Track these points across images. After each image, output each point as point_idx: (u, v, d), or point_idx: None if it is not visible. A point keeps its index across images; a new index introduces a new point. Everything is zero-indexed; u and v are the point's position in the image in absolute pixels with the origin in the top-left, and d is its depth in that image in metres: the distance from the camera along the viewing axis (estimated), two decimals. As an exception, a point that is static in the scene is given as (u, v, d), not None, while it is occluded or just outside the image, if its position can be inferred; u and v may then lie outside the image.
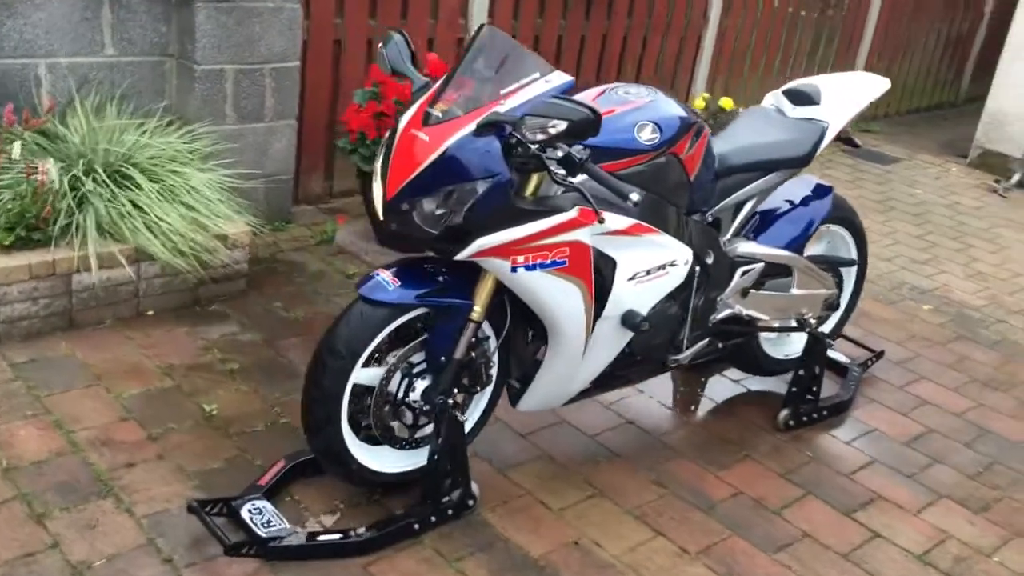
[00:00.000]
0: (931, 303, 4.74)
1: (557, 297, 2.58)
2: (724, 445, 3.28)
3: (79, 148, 3.52)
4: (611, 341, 2.78)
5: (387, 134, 2.59)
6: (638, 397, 3.47)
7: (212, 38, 3.92)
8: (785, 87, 3.35)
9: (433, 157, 2.37)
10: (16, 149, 3.27)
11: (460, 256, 2.44)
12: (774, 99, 3.33)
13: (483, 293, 2.56)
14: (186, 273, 3.50)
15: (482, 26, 2.58)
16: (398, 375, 2.61)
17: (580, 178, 2.36)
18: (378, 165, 2.57)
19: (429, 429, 2.73)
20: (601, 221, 2.44)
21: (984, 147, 7.38)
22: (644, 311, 2.75)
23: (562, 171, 2.39)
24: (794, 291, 3.30)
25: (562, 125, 2.20)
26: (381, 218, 2.52)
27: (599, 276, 2.63)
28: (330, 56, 4.64)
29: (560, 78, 2.45)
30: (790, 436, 3.38)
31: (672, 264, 2.79)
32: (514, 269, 2.48)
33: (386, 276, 2.53)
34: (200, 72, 3.94)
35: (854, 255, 3.60)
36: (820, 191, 3.35)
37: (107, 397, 3.06)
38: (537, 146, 2.35)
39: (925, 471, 3.29)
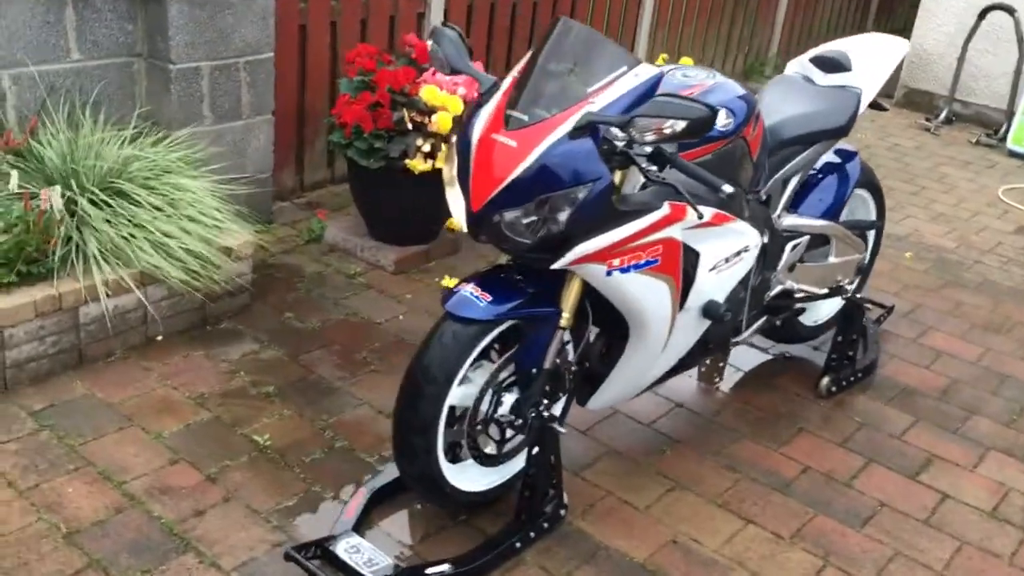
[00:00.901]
0: (910, 250, 4.85)
1: (648, 296, 2.49)
2: (776, 419, 3.27)
3: (60, 167, 3.22)
4: (691, 331, 2.72)
5: (456, 139, 2.43)
6: (678, 378, 3.41)
7: (186, 34, 3.63)
8: (811, 54, 3.30)
9: (526, 164, 2.23)
10: (13, 179, 2.96)
11: (557, 265, 2.32)
12: (800, 67, 3.29)
13: (570, 298, 2.46)
14: (194, 293, 3.26)
15: (558, 19, 2.44)
16: (489, 392, 2.49)
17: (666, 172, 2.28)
18: (453, 172, 2.42)
19: (514, 443, 2.63)
20: (700, 216, 2.35)
21: (909, 86, 7.58)
22: (722, 299, 2.70)
23: (654, 167, 2.30)
24: (832, 259, 3.31)
25: (680, 124, 2.10)
26: (465, 229, 2.38)
27: (685, 269, 2.55)
28: (296, 43, 4.38)
29: (648, 71, 2.33)
30: (833, 403, 3.40)
31: (746, 249, 2.74)
32: (609, 273, 2.38)
33: (473, 291, 2.40)
34: (176, 72, 3.64)
35: (873, 216, 3.62)
36: (847, 156, 3.34)
37: (146, 439, 2.83)
38: (624, 143, 2.25)
39: (966, 424, 3.36)
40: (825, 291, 3.33)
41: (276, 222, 4.30)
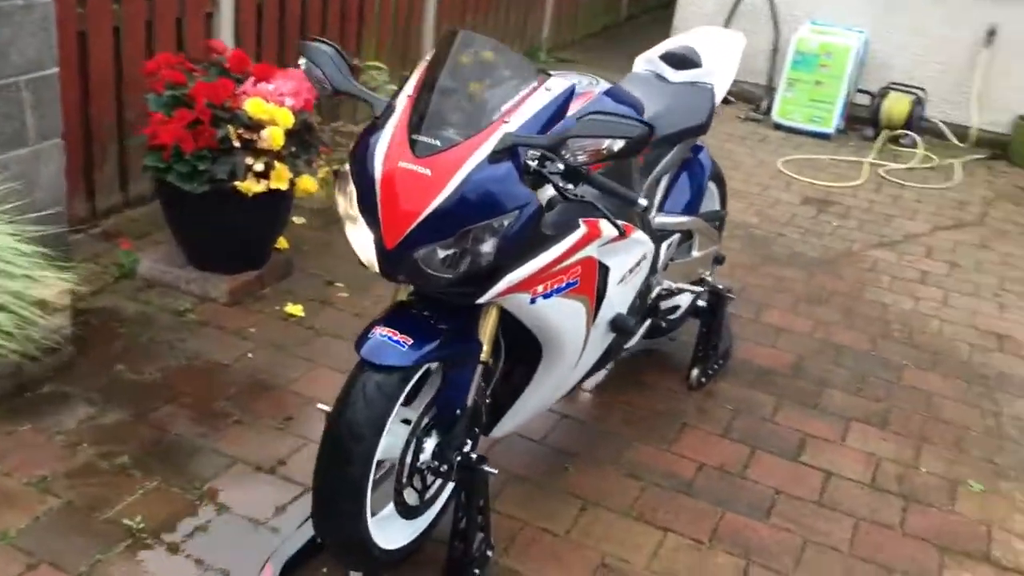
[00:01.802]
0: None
1: (568, 318, 2.38)
2: (657, 417, 3.28)
3: None
4: (599, 345, 2.64)
5: (351, 169, 2.19)
6: (554, 386, 3.35)
7: (-43, 53, 3.08)
8: (659, 51, 3.29)
9: (445, 194, 2.04)
10: None
11: (484, 299, 2.16)
12: (649, 64, 3.27)
13: (488, 330, 2.29)
14: (5, 357, 2.78)
15: (454, 31, 2.24)
16: (412, 440, 2.28)
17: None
18: (352, 207, 2.17)
19: (433, 490, 2.44)
20: (622, 232, 2.26)
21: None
22: (626, 310, 2.64)
23: (570, 185, 2.18)
24: (695, 253, 3.33)
25: (619, 144, 1.99)
26: (377, 269, 2.15)
27: (597, 286, 2.46)
28: (75, 52, 3.86)
29: (560, 84, 2.19)
30: (703, 393, 3.46)
31: (644, 258, 2.69)
32: (533, 300, 2.25)
33: (388, 334, 2.18)
34: (-52, 98, 3.08)
35: (718, 206, 3.69)
36: (696, 149, 3.37)
37: (-10, 543, 2.38)
38: (536, 163, 2.12)
39: (821, 398, 3.52)
40: (694, 286, 3.36)
41: (75, 258, 3.78)
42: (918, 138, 6.85)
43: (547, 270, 2.21)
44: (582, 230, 2.26)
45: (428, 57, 2.29)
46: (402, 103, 2.20)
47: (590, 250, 2.33)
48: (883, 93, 7.05)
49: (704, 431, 3.23)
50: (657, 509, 2.81)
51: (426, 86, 2.20)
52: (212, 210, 3.48)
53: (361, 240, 2.17)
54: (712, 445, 3.16)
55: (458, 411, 2.29)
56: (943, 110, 7.13)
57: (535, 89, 2.16)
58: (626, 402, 3.34)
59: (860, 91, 7.15)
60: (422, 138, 2.10)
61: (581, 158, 2.04)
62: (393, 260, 2.11)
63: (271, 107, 3.40)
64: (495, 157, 2.06)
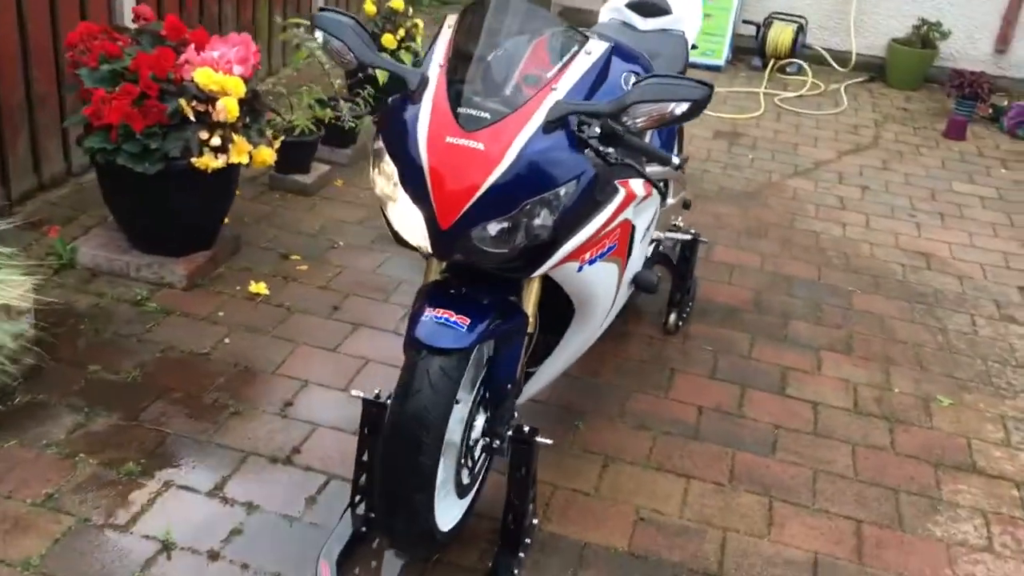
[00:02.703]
0: (648, 169, 5.10)
1: (605, 281, 2.38)
2: (646, 365, 3.33)
3: None
4: (621, 302, 2.64)
5: (386, 146, 2.09)
6: (540, 344, 3.34)
7: None
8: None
9: (502, 169, 1.97)
10: None
11: (540, 271, 2.12)
12: (615, 13, 3.24)
13: (532, 301, 2.26)
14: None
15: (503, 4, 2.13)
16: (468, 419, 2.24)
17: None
18: (391, 186, 2.08)
19: (480, 466, 2.41)
20: (664, 195, 2.25)
21: (563, 4, 7.85)
22: (641, 266, 2.65)
23: (611, 149, 2.15)
24: (670, 200, 3.36)
25: (683, 107, 1.96)
26: (429, 250, 2.07)
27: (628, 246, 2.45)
28: (-24, 25, 3.51)
29: (599, 46, 2.14)
30: (681, 336, 3.53)
31: (656, 213, 2.69)
32: (580, 268, 2.22)
33: (445, 315, 2.10)
34: None
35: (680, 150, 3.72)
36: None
37: (14, 574, 2.21)
38: (577, 128, 2.08)
39: (788, 331, 3.66)
40: (673, 233, 3.39)
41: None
42: (805, 65, 7.09)
43: (595, 236, 2.19)
44: (623, 192, 2.24)
45: (451, 23, 2.20)
46: (434, 74, 2.11)
47: (628, 212, 2.32)
48: (768, 23, 7.24)
49: (693, 374, 3.30)
50: (672, 457, 2.87)
51: (459, 55, 2.12)
52: (162, 190, 3.26)
53: (406, 221, 2.09)
54: (704, 387, 3.23)
55: (509, 385, 2.26)
56: (822, 37, 7.39)
57: (576, 53, 2.11)
58: (612, 353, 3.37)
59: (745, 22, 7.31)
60: (468, 111, 2.02)
61: (641, 123, 2.01)
62: (449, 240, 2.03)
63: (221, 76, 3.19)
64: (549, 127, 2.01)
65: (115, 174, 3.23)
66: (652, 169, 2.35)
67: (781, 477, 2.84)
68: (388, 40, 4.96)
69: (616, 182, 2.25)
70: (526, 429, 2.30)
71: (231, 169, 3.34)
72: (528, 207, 2.00)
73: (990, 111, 6.60)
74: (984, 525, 2.74)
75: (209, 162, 3.18)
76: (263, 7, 5.42)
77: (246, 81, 3.28)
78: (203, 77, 3.17)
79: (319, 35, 2.19)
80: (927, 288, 4.14)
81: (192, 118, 3.17)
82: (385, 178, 2.12)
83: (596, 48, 2.13)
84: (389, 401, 2.30)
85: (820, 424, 3.12)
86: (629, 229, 2.39)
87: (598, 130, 2.12)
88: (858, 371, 3.44)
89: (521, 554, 2.38)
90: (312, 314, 3.38)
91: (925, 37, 7.08)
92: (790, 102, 6.55)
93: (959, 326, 3.84)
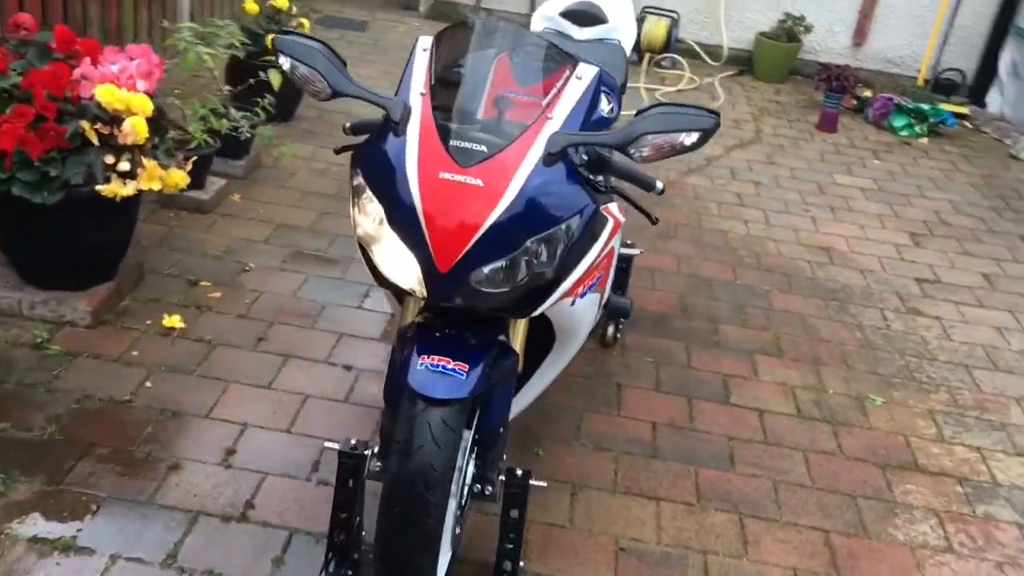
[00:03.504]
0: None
1: (589, 312, 2.28)
2: (592, 382, 3.26)
3: None
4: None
5: (368, 182, 1.92)
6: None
7: None
8: (556, 7, 3.15)
9: (504, 206, 1.85)
10: None
11: (539, 311, 2.00)
12: (549, 22, 3.13)
13: (520, 338, 2.15)
14: None
15: (465, 21, 1.99)
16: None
17: None
18: (381, 230, 1.91)
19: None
20: (654, 222, 2.17)
21: (488, 8, 7.66)
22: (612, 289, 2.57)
23: (599, 177, 2.06)
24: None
25: (693, 137, 1.88)
26: (423, 294, 1.92)
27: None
28: None
29: (589, 71, 2.03)
30: (619, 349, 3.48)
31: (619, 234, 2.60)
32: (573, 303, 2.12)
33: (441, 362, 1.96)
34: None
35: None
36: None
37: None
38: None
39: (719, 336, 3.67)
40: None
41: None
42: (680, 59, 7.19)
43: (590, 269, 2.09)
44: (611, 221, 2.15)
45: (426, 46, 2.04)
46: (417, 103, 1.95)
47: (614, 241, 2.23)
48: (641, 17, 7.27)
49: (639, 388, 3.26)
50: (638, 479, 2.81)
51: (442, 82, 1.97)
52: (63, 221, 2.94)
53: (396, 264, 1.93)
54: (652, 402, 3.19)
55: (501, 428, 2.14)
56: (693, 31, 7.51)
57: (568, 78, 2.00)
58: (555, 370, 3.28)
59: (618, 16, 7.33)
60: (461, 143, 1.88)
61: (646, 153, 1.91)
62: (447, 284, 1.89)
63: (125, 93, 2.90)
64: (550, 159, 1.89)
65: (8, 205, 2.88)
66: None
67: (745, 491, 2.83)
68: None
69: (602, 209, 2.16)
70: (519, 472, 2.18)
71: (136, 194, 3.05)
72: (531, 246, 1.88)
73: (855, 103, 6.88)
74: (939, 525, 2.81)
75: (117, 189, 2.89)
76: (128, 9, 5.02)
77: (151, 97, 3.00)
78: (106, 95, 2.86)
79: (284, 61, 1.98)
80: (835, 284, 4.24)
81: (95, 141, 2.86)
82: (368, 218, 1.95)
83: (587, 73, 2.02)
84: (368, 452, 2.16)
85: (769, 432, 3.13)
86: (612, 257, 2.30)
87: (585, 157, 2.02)
88: (791, 374, 3.48)
89: (516, 601, 2.26)
90: (236, 347, 3.13)
91: (790, 31, 7.31)
92: (670, 96, 6.62)
93: (872, 321, 3.96)
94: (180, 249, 3.68)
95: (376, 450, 2.19)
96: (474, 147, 1.87)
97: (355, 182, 1.97)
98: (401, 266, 1.92)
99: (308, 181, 4.48)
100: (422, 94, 1.96)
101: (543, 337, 2.32)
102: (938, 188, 5.67)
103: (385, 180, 1.90)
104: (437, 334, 2.05)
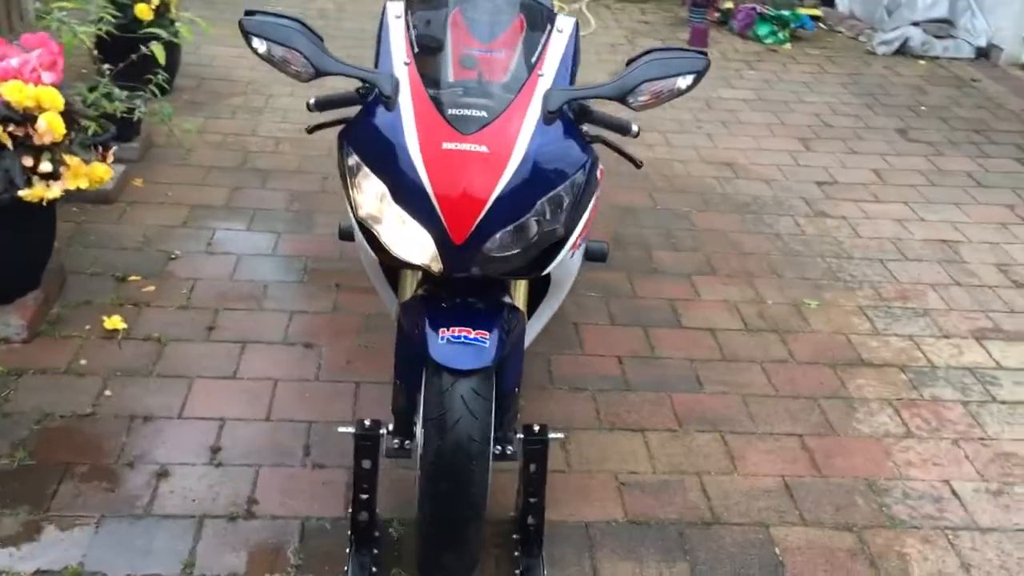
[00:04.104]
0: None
1: (578, 260, 2.30)
2: (551, 324, 3.26)
3: None
4: None
5: (364, 160, 1.88)
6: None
7: None
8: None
9: (512, 170, 1.84)
10: None
11: (549, 268, 2.01)
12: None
13: (522, 295, 2.17)
14: None
15: None
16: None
17: None
18: (385, 208, 1.87)
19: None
20: (639, 165, 2.20)
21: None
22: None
23: (584, 126, 2.08)
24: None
25: (688, 80, 1.91)
26: (442, 267, 1.89)
27: None
28: None
29: (567, 22, 2.02)
30: (565, 288, 3.52)
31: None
32: (572, 255, 2.14)
33: (463, 333, 1.95)
34: None
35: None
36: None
37: None
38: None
39: (654, 262, 3.77)
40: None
41: None
42: (545, -11, 7.17)
43: (587, 221, 2.10)
44: (600, 169, 2.17)
45: (399, 13, 1.99)
46: (403, 74, 1.91)
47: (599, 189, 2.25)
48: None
49: (596, 325, 3.32)
50: (619, 413, 2.89)
51: (425, 49, 1.92)
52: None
53: (405, 240, 1.90)
54: (611, 335, 3.27)
55: (516, 388, 2.15)
56: (553, -43, 7.48)
57: (550, 32, 1.98)
58: (511, 318, 3.30)
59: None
60: (459, 111, 1.86)
61: (643, 100, 1.93)
62: (463, 255, 1.87)
63: (34, 89, 2.70)
64: (550, 117, 1.88)
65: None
66: None
67: (718, 409, 2.96)
68: (143, 11, 4.41)
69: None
70: (536, 428, 2.20)
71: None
72: (541, 206, 1.88)
73: (717, 15, 7.05)
74: (895, 413, 3.01)
75: (41, 193, 2.71)
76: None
77: (59, 89, 2.80)
78: (14, 93, 2.66)
79: (259, 44, 1.88)
80: (745, 196, 4.40)
81: (9, 145, 2.66)
82: (369, 197, 1.90)
83: (566, 24, 2.02)
84: (383, 432, 2.15)
85: (724, 349, 3.26)
86: (597, 206, 2.32)
87: (570, 109, 2.03)
88: (730, 290, 3.62)
89: (543, 553, 2.31)
90: (188, 341, 3.02)
91: (647, -51, 7.39)
92: (543, 27, 6.61)
93: (787, 229, 4.14)
94: (95, 245, 3.49)
95: (391, 428, 2.17)
96: (474, 113, 1.85)
97: (350, 161, 1.91)
98: (412, 242, 1.89)
99: (207, 156, 4.29)
100: (406, 63, 1.91)
101: (535, 286, 2.34)
102: (812, 92, 5.91)
103: (384, 157, 1.86)
104: (444, 304, 2.04)
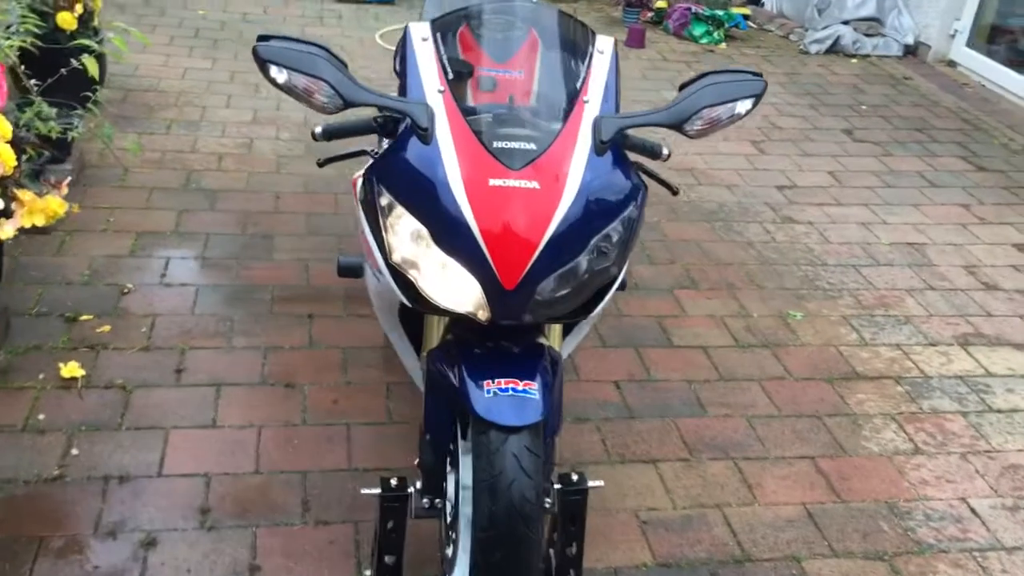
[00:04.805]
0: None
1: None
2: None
3: None
4: None
5: (404, 201, 1.68)
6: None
7: None
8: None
9: (565, 207, 1.68)
10: None
11: (601, 307, 1.86)
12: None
13: (557, 336, 2.00)
14: None
15: (480, 4, 1.75)
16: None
17: None
18: (425, 252, 1.69)
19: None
20: (676, 193, 2.06)
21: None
22: None
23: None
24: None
25: (747, 104, 1.78)
26: (489, 315, 1.72)
27: None
28: None
29: (607, 43, 1.86)
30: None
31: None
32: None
33: (510, 384, 1.78)
34: None
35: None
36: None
37: None
38: None
39: (632, 278, 3.64)
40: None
41: None
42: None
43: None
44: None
45: (426, 35, 1.80)
46: (438, 102, 1.72)
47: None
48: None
49: (587, 348, 3.17)
50: (627, 444, 2.76)
51: (460, 75, 1.74)
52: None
53: (449, 287, 1.71)
54: (605, 359, 3.13)
55: (555, 436, 1.99)
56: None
57: (591, 55, 1.82)
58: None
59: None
60: (505, 144, 1.68)
61: (699, 127, 1.79)
62: (513, 301, 1.70)
63: (-24, 117, 2.41)
64: (602, 147, 1.73)
65: None
66: None
67: (726, 434, 2.85)
68: (66, 20, 4.08)
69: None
70: (574, 476, 2.05)
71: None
72: (596, 245, 1.73)
73: (650, 15, 6.99)
74: (900, 429, 2.96)
75: (-6, 232, 2.42)
76: None
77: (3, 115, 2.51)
78: (-45, 122, 2.37)
79: (278, 73, 1.67)
80: (711, 204, 4.32)
81: (-46, 179, 2.37)
82: (406, 240, 1.71)
83: (606, 45, 1.86)
84: (411, 490, 1.97)
85: (721, 368, 3.15)
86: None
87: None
88: (714, 304, 3.52)
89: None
90: (157, 386, 2.76)
91: (577, -52, 7.28)
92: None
93: (758, 236, 4.07)
94: (37, 281, 3.18)
95: (419, 486, 1.99)
96: (521, 146, 1.68)
97: (382, 201, 1.72)
98: (456, 289, 1.71)
99: (147, 176, 3.99)
100: (440, 91, 1.72)
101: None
102: (755, 92, 5.87)
103: (423, 195, 1.67)
104: (477, 350, 1.86)
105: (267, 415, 2.69)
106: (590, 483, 2.06)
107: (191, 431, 2.60)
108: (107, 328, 2.98)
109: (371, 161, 2.07)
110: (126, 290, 3.19)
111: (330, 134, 1.97)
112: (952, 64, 6.68)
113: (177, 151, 4.23)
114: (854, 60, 6.70)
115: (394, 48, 5.73)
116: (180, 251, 3.45)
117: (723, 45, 6.72)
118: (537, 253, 1.66)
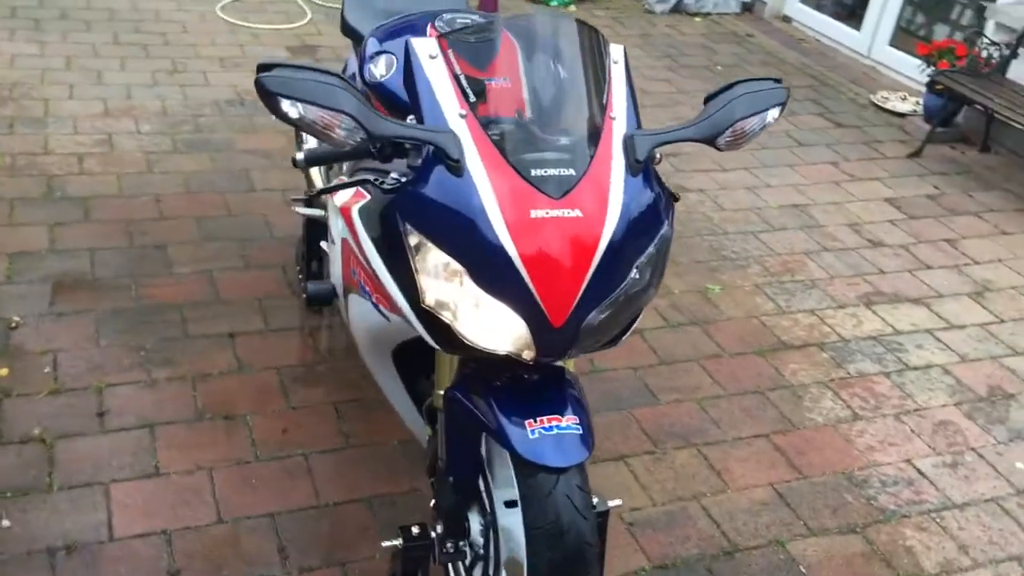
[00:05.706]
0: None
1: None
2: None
3: None
4: None
5: (435, 237, 1.54)
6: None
7: None
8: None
9: (608, 235, 1.58)
10: None
11: (631, 332, 1.77)
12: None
13: (571, 361, 1.90)
14: None
15: (492, 20, 1.60)
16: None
17: None
18: (469, 292, 1.55)
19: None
20: (677, 199, 1.98)
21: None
22: None
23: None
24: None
25: (775, 112, 1.72)
26: (535, 353, 1.60)
27: None
28: None
29: (618, 50, 1.74)
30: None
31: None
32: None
33: (553, 422, 1.67)
34: None
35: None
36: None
37: None
38: None
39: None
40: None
41: None
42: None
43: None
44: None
45: (435, 53, 1.63)
46: (462, 128, 1.57)
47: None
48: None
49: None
50: (616, 441, 2.72)
51: (480, 95, 1.59)
52: None
53: (490, 327, 1.58)
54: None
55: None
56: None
57: (609, 67, 1.71)
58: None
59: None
60: (544, 171, 1.56)
61: (730, 139, 1.72)
62: (561, 337, 1.59)
63: None
64: (637, 167, 1.63)
65: None
66: None
67: (683, 420, 2.86)
68: None
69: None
70: (595, 500, 1.97)
71: None
72: (638, 268, 1.64)
73: (496, -22, 6.85)
74: (835, 396, 3.06)
75: None
76: None
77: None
78: None
79: (290, 108, 1.46)
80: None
81: None
82: (440, 280, 1.56)
83: (618, 53, 1.75)
84: (433, 536, 1.85)
85: (659, 351, 3.16)
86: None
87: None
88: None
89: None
90: (79, 435, 2.47)
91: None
92: (326, 9, 6.13)
93: (656, 208, 4.08)
94: (-97, 322, 2.78)
95: (440, 530, 1.87)
96: (560, 172, 1.55)
97: (412, 241, 1.56)
98: (496, 328, 1.58)
99: (3, 185, 3.55)
100: (463, 115, 1.57)
101: None
102: (614, 56, 5.90)
103: (458, 232, 1.53)
104: (498, 383, 1.75)
105: (214, 455, 2.46)
106: (609, 503, 2.00)
107: (134, 483, 2.35)
108: (4, 372, 2.64)
109: (356, 188, 1.90)
110: (13, 324, 2.83)
111: (313, 160, 1.79)
112: (787, 19, 6.93)
113: (29, 153, 3.79)
114: (698, 19, 6.84)
115: (238, 23, 5.38)
116: (64, 272, 3.10)
117: (573, 7, 6.70)
118: (584, 285, 1.56)
